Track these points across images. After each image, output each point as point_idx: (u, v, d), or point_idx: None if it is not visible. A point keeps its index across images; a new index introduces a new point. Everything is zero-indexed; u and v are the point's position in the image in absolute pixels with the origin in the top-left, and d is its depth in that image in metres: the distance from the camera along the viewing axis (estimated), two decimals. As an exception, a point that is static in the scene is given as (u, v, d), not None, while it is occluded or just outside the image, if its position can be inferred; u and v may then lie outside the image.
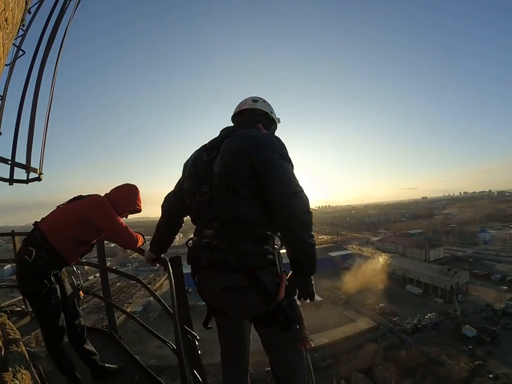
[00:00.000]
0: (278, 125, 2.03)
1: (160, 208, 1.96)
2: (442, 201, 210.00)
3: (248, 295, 1.51)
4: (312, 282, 1.59)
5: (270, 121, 1.94)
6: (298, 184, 1.50)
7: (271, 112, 1.94)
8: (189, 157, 1.85)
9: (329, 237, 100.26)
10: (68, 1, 3.00)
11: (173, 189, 1.96)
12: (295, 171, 1.56)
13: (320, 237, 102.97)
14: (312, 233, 1.50)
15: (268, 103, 1.96)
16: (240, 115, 1.92)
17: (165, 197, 1.98)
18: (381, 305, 45.32)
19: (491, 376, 27.58)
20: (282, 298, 1.55)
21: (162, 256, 2.09)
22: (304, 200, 1.47)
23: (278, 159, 1.50)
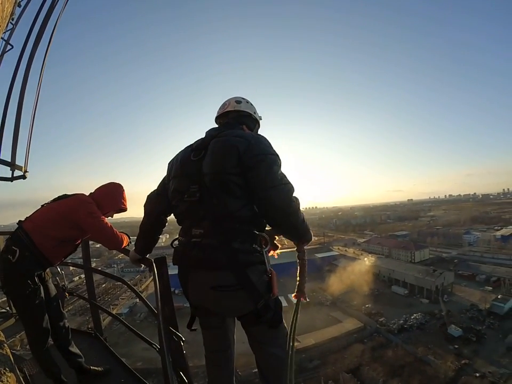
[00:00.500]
0: (260, 122, 2.06)
1: (143, 207, 1.94)
2: (428, 204, 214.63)
3: (237, 293, 1.53)
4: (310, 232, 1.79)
5: (254, 122, 1.98)
6: (282, 177, 1.56)
7: (254, 113, 1.97)
8: (173, 157, 1.85)
9: (316, 238, 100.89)
10: (58, -4, 2.94)
11: (155, 188, 1.95)
12: (284, 169, 1.60)
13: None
14: (301, 216, 1.62)
15: (251, 104, 1.99)
16: (224, 116, 1.94)
17: (147, 196, 1.96)
18: (367, 306, 45.80)
19: (477, 374, 28.11)
20: (275, 296, 1.60)
21: (147, 256, 2.07)
22: (284, 191, 1.53)
23: (264, 156, 1.55)
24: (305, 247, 1.86)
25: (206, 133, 1.79)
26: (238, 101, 1.94)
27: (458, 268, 57.88)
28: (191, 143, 1.79)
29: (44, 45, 2.84)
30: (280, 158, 1.64)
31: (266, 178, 1.51)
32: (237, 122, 1.86)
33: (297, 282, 1.85)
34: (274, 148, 1.63)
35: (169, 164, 1.87)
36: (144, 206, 1.94)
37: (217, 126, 1.93)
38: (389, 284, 54.67)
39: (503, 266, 54.89)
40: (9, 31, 2.96)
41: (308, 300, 2.06)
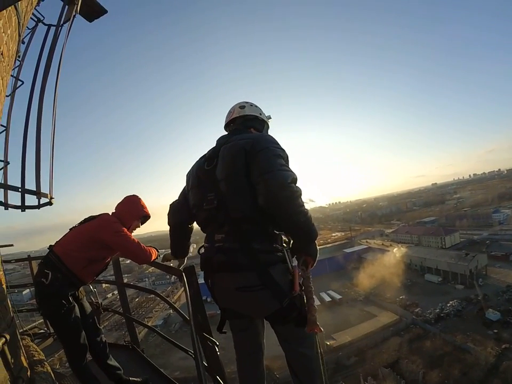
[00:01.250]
0: (270, 122, 2.09)
1: (167, 217, 2.02)
2: (453, 186, 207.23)
3: (261, 293, 1.55)
4: (316, 247, 1.69)
5: (261, 123, 2.01)
6: (282, 164, 1.55)
7: (260, 114, 2.01)
8: (190, 168, 1.92)
9: (343, 234, 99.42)
10: (60, 27, 3.07)
11: (177, 198, 2.03)
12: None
13: (333, 234, 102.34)
14: (301, 207, 1.51)
15: (255, 106, 2.02)
16: (231, 123, 2.00)
17: (170, 206, 2.04)
18: (401, 297, 44.73)
19: None
20: (297, 293, 1.59)
21: (178, 267, 2.14)
22: (281, 175, 1.49)
23: (266, 148, 1.58)
24: (310, 270, 1.72)
25: (217, 141, 1.86)
26: (242, 106, 1.99)
27: (490, 249, 55.62)
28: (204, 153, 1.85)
29: (53, 74, 2.97)
30: (287, 153, 1.66)
31: (264, 164, 1.53)
32: (244, 126, 1.92)
33: (307, 314, 1.64)
34: (280, 145, 1.66)
35: (187, 175, 1.94)
36: (167, 215, 2.03)
37: (226, 133, 1.99)
38: (421, 273, 53.25)
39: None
40: (17, 68, 3.12)
41: (323, 330, 1.93)
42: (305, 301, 1.67)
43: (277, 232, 1.62)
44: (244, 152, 1.59)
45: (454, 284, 46.68)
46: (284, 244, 1.65)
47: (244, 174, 1.57)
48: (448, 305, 39.33)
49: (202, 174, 1.77)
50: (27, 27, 2.96)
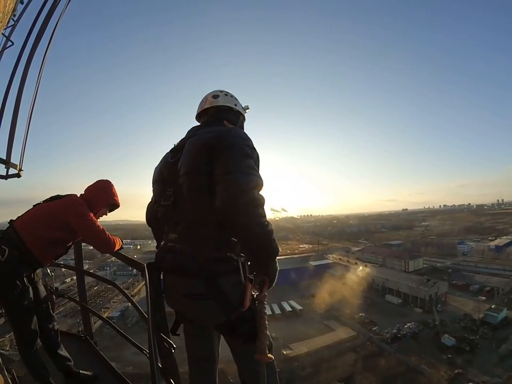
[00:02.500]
0: (246, 113, 1.95)
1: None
2: (422, 213, 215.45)
3: (208, 302, 1.44)
4: (276, 266, 1.46)
5: (236, 115, 1.85)
6: (249, 167, 1.40)
7: (236, 105, 1.84)
8: (158, 163, 1.80)
9: (310, 246, 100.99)
10: (62, -6, 2.94)
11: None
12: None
13: (301, 246, 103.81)
14: (261, 218, 1.33)
15: (231, 95, 1.85)
16: (204, 114, 1.85)
17: (147, 207, 1.94)
18: (360, 314, 45.74)
19: None
20: (246, 308, 1.46)
21: (140, 261, 2.04)
22: (244, 179, 1.34)
23: (232, 145, 1.43)
24: (266, 293, 1.51)
25: (187, 133, 1.73)
26: (215, 95, 1.82)
27: (452, 278, 58.06)
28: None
29: (44, 42, 2.84)
30: (257, 153, 1.51)
31: (228, 163, 1.38)
32: (217, 118, 1.76)
33: (257, 340, 1.46)
34: (251, 141, 1.52)
35: (154, 169, 1.81)
36: (145, 214, 1.93)
37: (198, 124, 1.85)
38: (382, 293, 54.73)
39: (496, 276, 55.15)
40: (10, 28, 2.96)
41: (272, 358, 1.82)
42: (256, 325, 1.49)
43: (235, 240, 1.47)
44: (208, 148, 1.44)
45: (413, 307, 48.21)
46: (241, 254, 1.50)
47: (205, 172, 1.42)
48: (405, 326, 40.58)
49: (165, 167, 1.67)
50: (29, -13, 2.83)
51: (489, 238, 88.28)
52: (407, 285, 51.11)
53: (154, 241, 2.08)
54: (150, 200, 1.89)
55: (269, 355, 1.47)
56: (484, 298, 46.87)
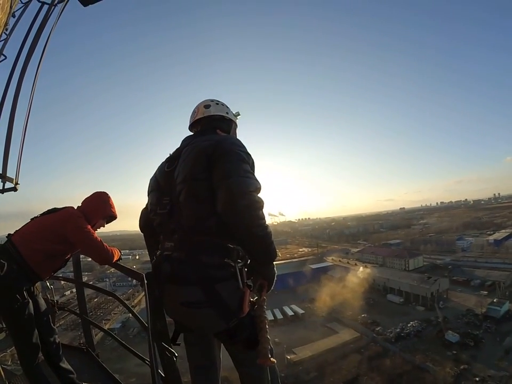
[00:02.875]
0: (238, 120, 1.98)
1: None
2: (420, 211, 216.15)
3: (206, 310, 1.44)
4: (274, 269, 1.52)
5: (228, 123, 1.88)
6: (246, 171, 1.44)
7: (227, 113, 1.87)
8: (154, 172, 1.81)
9: (310, 249, 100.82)
10: (53, 7, 2.96)
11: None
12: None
13: (300, 250, 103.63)
14: (261, 220, 1.38)
15: (222, 104, 1.89)
16: (196, 124, 1.88)
17: (140, 212, 1.95)
18: (363, 315, 45.68)
19: (477, 379, 28.19)
20: (245, 314, 1.48)
21: (138, 271, 2.03)
22: (243, 182, 1.38)
23: (228, 151, 1.47)
24: (264, 296, 1.56)
25: (181, 142, 1.76)
26: (207, 105, 1.85)
27: (452, 274, 58.33)
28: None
29: (37, 55, 2.84)
30: (252, 158, 1.56)
31: (226, 169, 1.41)
32: (209, 127, 1.79)
33: (259, 345, 1.49)
34: (245, 148, 1.56)
35: (151, 178, 1.82)
36: (138, 222, 1.93)
37: (192, 134, 1.88)
38: (384, 293, 54.75)
39: (497, 270, 55.39)
40: (2, 42, 2.97)
41: (275, 362, 1.84)
42: (257, 330, 1.51)
43: (232, 246, 1.48)
44: (205, 155, 1.48)
45: (415, 305, 48.31)
46: (238, 260, 1.50)
47: (203, 179, 1.45)
48: (408, 325, 40.60)
49: (161, 176, 1.68)
50: (20, 0, 2.85)
51: (488, 232, 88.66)
52: (408, 284, 51.19)
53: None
54: (145, 206, 1.90)
55: (272, 359, 1.47)
56: (486, 292, 47.13)
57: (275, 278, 1.54)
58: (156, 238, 1.84)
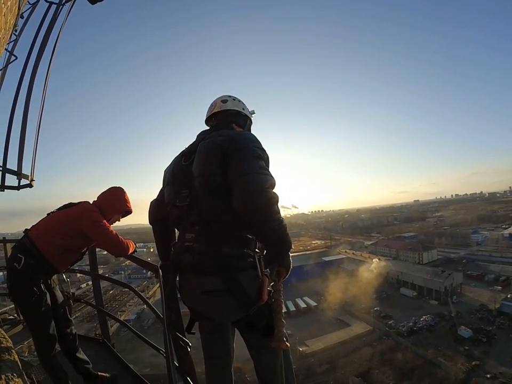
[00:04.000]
0: (253, 117, 2.02)
1: (148, 216, 1.94)
2: (435, 204, 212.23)
3: (227, 299, 1.48)
4: (290, 258, 1.58)
5: (244, 118, 1.93)
6: (261, 167, 1.47)
7: (243, 109, 1.92)
8: (168, 165, 1.84)
9: (323, 242, 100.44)
10: (61, 6, 2.99)
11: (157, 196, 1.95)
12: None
13: (313, 242, 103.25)
14: (276, 215, 1.43)
15: (238, 100, 1.94)
16: (212, 118, 1.92)
17: (150, 204, 1.96)
18: (376, 308, 45.38)
19: (488, 376, 27.71)
20: (264, 303, 1.53)
21: (153, 263, 2.07)
22: (259, 179, 1.41)
23: (244, 148, 1.50)
24: (282, 282, 1.62)
25: (197, 136, 1.79)
26: (224, 100, 1.90)
27: (466, 268, 57.21)
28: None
29: (47, 54, 2.88)
30: (267, 154, 1.58)
31: (242, 165, 1.45)
32: (225, 122, 1.84)
33: (275, 329, 1.55)
34: (261, 144, 1.58)
35: (164, 171, 1.86)
36: (148, 214, 1.95)
37: (208, 128, 1.91)
38: (397, 286, 54.22)
39: (511, 265, 53.99)
40: (12, 42, 3.02)
41: (289, 345, 1.86)
42: (273, 315, 1.58)
43: (250, 237, 1.56)
44: (221, 150, 1.50)
45: (428, 299, 47.74)
46: (256, 250, 1.58)
47: (219, 173, 1.48)
48: (421, 319, 40.13)
49: (178, 170, 1.70)
50: (28, 1, 2.88)
51: (503, 226, 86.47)
52: (421, 277, 50.52)
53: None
54: (155, 199, 1.93)
55: (286, 343, 1.52)
56: (500, 288, 46.00)
57: (291, 267, 1.60)
58: (167, 231, 1.90)
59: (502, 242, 71.32)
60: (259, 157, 1.51)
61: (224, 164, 1.48)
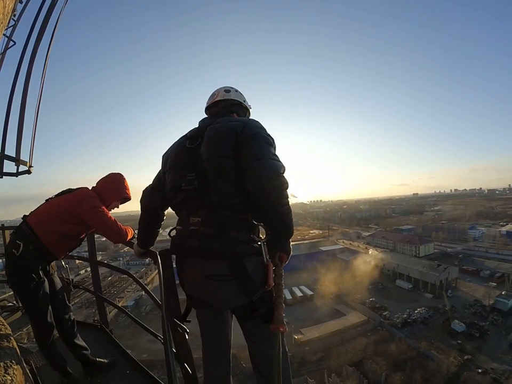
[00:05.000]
0: (251, 112, 2.05)
1: (139, 202, 1.92)
2: (433, 198, 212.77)
3: (231, 284, 1.49)
4: (291, 245, 1.69)
5: (244, 110, 1.97)
6: (273, 154, 1.52)
7: (244, 101, 1.96)
8: (168, 149, 1.82)
9: (321, 232, 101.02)
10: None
11: (151, 183, 1.93)
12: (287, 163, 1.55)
13: (311, 231, 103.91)
14: (286, 199, 1.50)
15: (240, 92, 1.97)
16: (214, 106, 1.93)
17: (143, 191, 1.93)
18: (371, 299, 45.90)
19: (479, 371, 28.06)
20: (269, 288, 1.54)
21: (152, 249, 2.06)
22: (272, 164, 1.46)
23: (256, 134, 1.54)
24: (283, 268, 1.67)
25: (200, 122, 1.79)
26: (227, 90, 1.93)
27: (462, 263, 57.70)
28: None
29: (46, 40, 2.83)
30: (275, 141, 1.62)
31: (255, 151, 1.48)
32: (227, 111, 1.86)
33: (274, 311, 1.56)
34: (267, 131, 1.62)
35: (163, 156, 1.84)
36: (140, 201, 1.92)
37: (208, 116, 1.92)
38: (393, 278, 54.73)
39: (507, 262, 54.39)
40: (11, 28, 2.96)
41: (287, 329, 1.88)
42: (274, 298, 1.60)
43: (256, 223, 1.57)
44: (235, 134, 1.53)
45: (423, 292, 48.24)
46: (261, 236, 1.61)
47: (231, 156, 1.50)
48: (415, 312, 40.63)
49: (182, 153, 1.68)
50: (27, -14, 2.80)
51: (501, 223, 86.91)
52: (417, 270, 50.92)
53: (166, 230, 2.15)
54: (151, 186, 1.90)
55: (285, 327, 1.53)
56: (495, 284, 46.52)
57: (291, 253, 1.69)
58: (157, 219, 1.92)
59: (499, 239, 71.72)
60: (271, 143, 1.56)
61: (237, 147, 1.51)
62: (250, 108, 2.04)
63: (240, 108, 1.93)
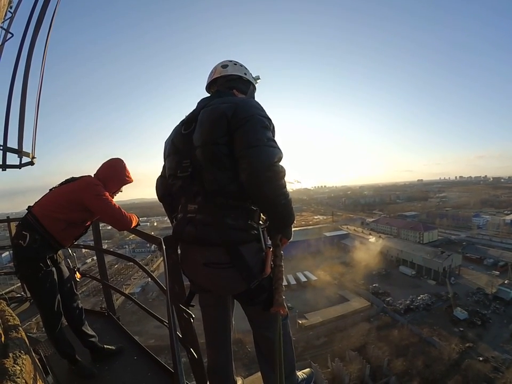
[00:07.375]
0: (257, 84, 1.92)
1: (156, 194, 1.93)
2: (438, 185, 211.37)
3: (229, 271, 1.48)
4: (292, 230, 1.61)
5: (246, 84, 1.82)
6: (269, 139, 1.41)
7: (245, 74, 1.81)
8: (168, 136, 1.77)
9: (325, 217, 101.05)
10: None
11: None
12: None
13: (315, 217, 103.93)
14: (283, 189, 1.41)
15: (240, 65, 1.83)
16: (213, 84, 1.83)
17: (156, 182, 1.93)
18: (374, 285, 46.21)
19: (480, 359, 28.23)
20: (267, 275, 1.53)
21: (155, 235, 2.05)
22: (267, 152, 1.37)
23: (250, 116, 1.42)
24: (282, 248, 1.64)
25: (197, 104, 1.69)
26: (224, 65, 1.80)
27: (466, 251, 57.61)
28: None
29: (44, 31, 2.80)
30: (273, 123, 1.51)
31: (249, 136, 1.38)
32: (226, 88, 1.75)
33: (274, 294, 1.57)
34: (265, 112, 1.50)
35: (165, 143, 1.79)
36: (156, 191, 1.93)
37: (209, 95, 1.81)
38: (396, 264, 54.86)
39: (511, 251, 54.19)
40: (8, 20, 2.92)
41: (288, 312, 1.91)
42: (273, 281, 1.59)
43: (254, 209, 1.52)
44: (226, 118, 1.42)
45: (426, 278, 48.39)
46: (260, 222, 1.56)
47: (223, 143, 1.42)
48: (418, 298, 40.87)
49: (178, 139, 1.63)
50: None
51: (505, 212, 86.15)
52: (421, 257, 50.96)
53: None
54: (160, 174, 1.89)
55: (285, 309, 1.55)
56: (498, 273, 46.34)
57: (292, 236, 1.62)
58: (176, 204, 1.81)
59: (503, 227, 71.38)
60: (266, 127, 1.44)
61: (229, 133, 1.42)
62: (257, 80, 1.91)
63: (241, 82, 1.79)
